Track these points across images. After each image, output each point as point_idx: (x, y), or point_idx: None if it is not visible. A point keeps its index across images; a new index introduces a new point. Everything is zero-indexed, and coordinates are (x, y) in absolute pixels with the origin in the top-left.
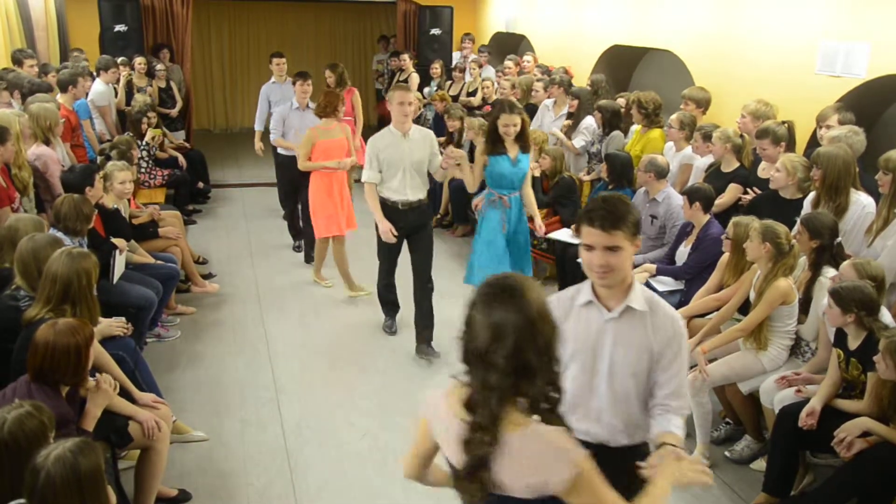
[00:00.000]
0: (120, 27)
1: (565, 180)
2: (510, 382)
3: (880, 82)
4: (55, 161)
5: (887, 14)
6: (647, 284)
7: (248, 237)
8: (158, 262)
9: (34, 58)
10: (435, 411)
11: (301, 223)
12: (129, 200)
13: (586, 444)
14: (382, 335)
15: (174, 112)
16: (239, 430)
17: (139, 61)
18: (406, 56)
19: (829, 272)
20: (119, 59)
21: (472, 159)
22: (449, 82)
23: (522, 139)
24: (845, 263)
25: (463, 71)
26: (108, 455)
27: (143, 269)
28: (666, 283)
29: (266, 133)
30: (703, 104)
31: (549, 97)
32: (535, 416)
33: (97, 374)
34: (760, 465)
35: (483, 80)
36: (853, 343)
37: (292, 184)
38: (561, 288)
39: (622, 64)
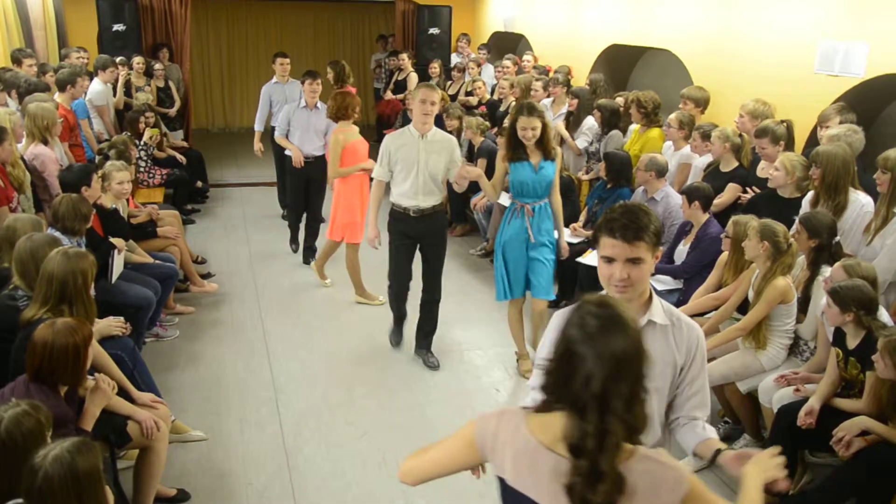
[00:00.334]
0: (118, 27)
1: (564, 179)
2: (629, 421)
3: (879, 81)
4: (53, 160)
5: (886, 14)
6: None
7: (247, 237)
8: (157, 261)
9: (34, 57)
10: (500, 435)
11: (306, 233)
12: (127, 200)
13: None
14: (382, 335)
15: (172, 112)
16: (238, 430)
17: (137, 61)
18: (405, 55)
19: (828, 271)
20: (118, 59)
21: (470, 158)
22: (449, 82)
23: (544, 144)
24: (836, 265)
25: (462, 70)
26: (107, 455)
27: (142, 269)
28: (664, 282)
29: (266, 134)
30: (702, 103)
31: (548, 97)
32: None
33: (96, 374)
34: None
35: (474, 81)
36: (852, 342)
37: (303, 190)
38: (561, 294)
39: (621, 63)
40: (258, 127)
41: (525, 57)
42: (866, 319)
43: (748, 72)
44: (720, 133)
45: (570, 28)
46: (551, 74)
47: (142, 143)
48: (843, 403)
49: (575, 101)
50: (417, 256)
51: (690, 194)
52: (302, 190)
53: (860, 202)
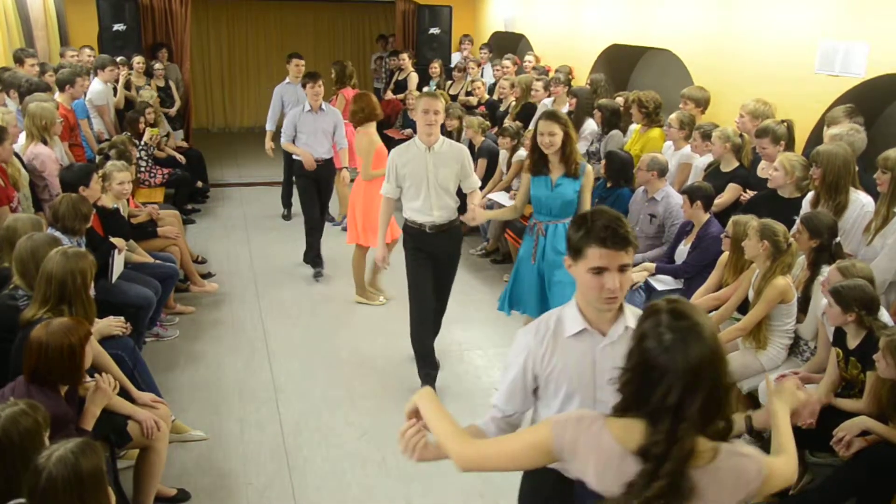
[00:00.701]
0: (119, 26)
1: None
2: (699, 427)
3: (879, 82)
4: (53, 160)
5: (886, 14)
6: (647, 283)
7: (247, 236)
8: (157, 261)
9: (35, 57)
10: (580, 442)
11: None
12: (127, 200)
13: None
14: (381, 334)
15: (172, 111)
16: (238, 430)
17: (138, 60)
18: (405, 55)
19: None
20: (118, 59)
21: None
22: (449, 82)
23: (566, 157)
24: (832, 267)
25: (463, 70)
26: (107, 454)
27: (142, 269)
28: (665, 282)
29: (277, 134)
30: (702, 103)
31: (549, 96)
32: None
33: (96, 374)
34: None
35: (472, 81)
36: (852, 342)
37: (315, 195)
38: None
39: (621, 63)
40: (269, 126)
41: (526, 57)
42: (868, 319)
43: (748, 72)
44: (721, 133)
45: (571, 28)
46: (551, 75)
47: (142, 142)
48: (844, 403)
49: (573, 101)
50: None
51: (692, 194)
52: (314, 195)
53: (861, 202)
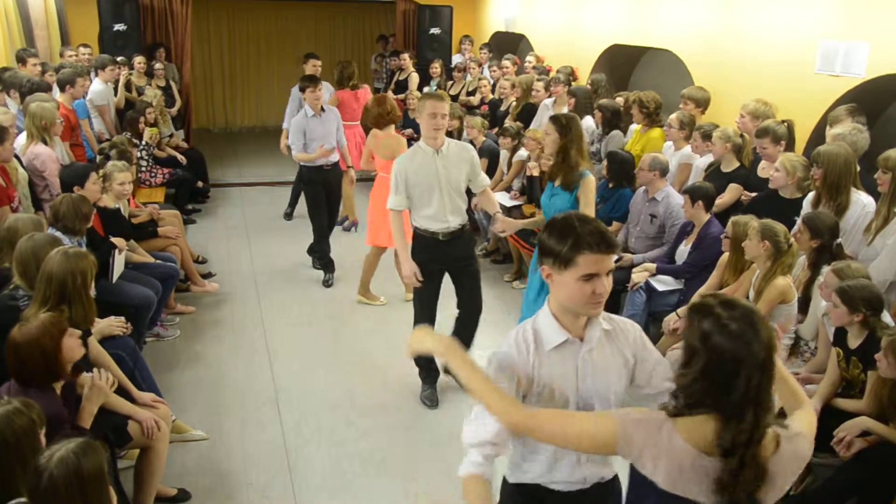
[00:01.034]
0: (119, 26)
1: None
2: (771, 409)
3: (880, 82)
4: (53, 160)
5: (886, 14)
6: (647, 284)
7: (248, 236)
8: (158, 261)
9: (37, 56)
10: (648, 446)
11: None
12: (128, 200)
13: (586, 491)
14: (382, 334)
15: (174, 111)
16: (238, 430)
17: (138, 60)
18: (406, 55)
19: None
20: (118, 59)
21: None
22: (450, 82)
23: (561, 167)
24: (827, 270)
25: (463, 70)
26: (108, 454)
27: (143, 269)
28: (666, 283)
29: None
30: (703, 104)
31: (550, 96)
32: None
33: (94, 370)
34: None
35: (479, 79)
36: (854, 342)
37: (325, 200)
38: None
39: (622, 63)
40: (286, 125)
41: (528, 58)
42: (873, 320)
43: (749, 72)
44: (721, 133)
45: (571, 28)
46: (552, 75)
47: (143, 142)
48: (844, 403)
49: (572, 101)
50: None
51: (693, 194)
52: (322, 202)
53: (861, 202)
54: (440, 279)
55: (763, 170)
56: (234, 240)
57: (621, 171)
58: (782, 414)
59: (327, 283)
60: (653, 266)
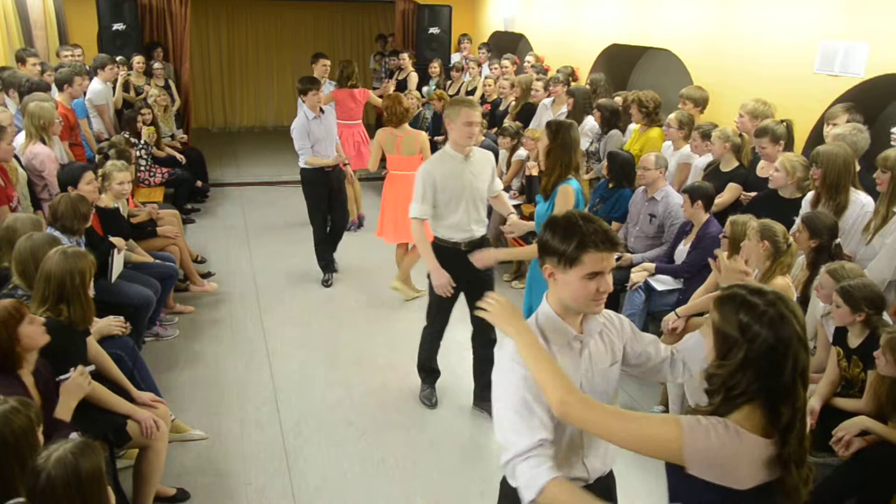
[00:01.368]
0: (118, 26)
1: None
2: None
3: (879, 81)
4: (52, 160)
5: (886, 14)
6: (646, 283)
7: (247, 236)
8: (157, 261)
9: (37, 56)
10: (720, 451)
11: (329, 250)
12: (127, 199)
13: (590, 486)
14: (381, 334)
15: (173, 110)
16: (237, 430)
17: (137, 60)
18: (405, 55)
19: None
20: (118, 58)
21: None
22: (448, 82)
23: (545, 174)
24: (822, 272)
25: (461, 70)
26: (106, 454)
27: (142, 268)
28: (665, 282)
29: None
30: (701, 103)
31: (549, 96)
32: None
33: (79, 367)
34: None
35: (485, 77)
36: (854, 341)
37: (326, 203)
38: None
39: (621, 63)
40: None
41: (527, 58)
42: (875, 319)
43: (748, 71)
44: (720, 133)
45: (571, 28)
46: (550, 74)
47: (141, 141)
48: (843, 403)
49: (571, 100)
50: None
51: (693, 194)
52: (323, 202)
53: (861, 202)
54: (458, 293)
55: (762, 169)
56: (234, 239)
57: (621, 172)
58: None
59: (327, 283)
60: (652, 266)
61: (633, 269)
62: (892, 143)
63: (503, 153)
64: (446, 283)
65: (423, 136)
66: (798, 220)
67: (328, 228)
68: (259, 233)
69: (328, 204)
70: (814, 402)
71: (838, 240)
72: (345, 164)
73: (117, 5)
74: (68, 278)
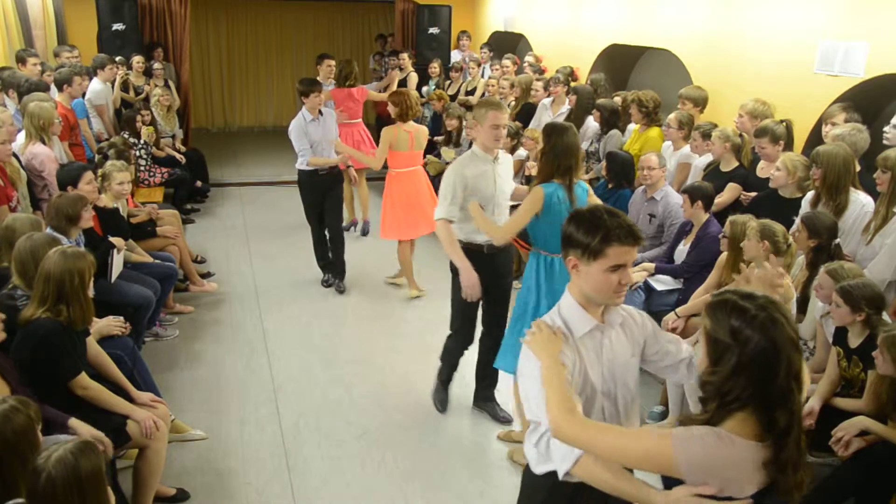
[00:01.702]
0: (118, 26)
1: None
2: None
3: (879, 81)
4: (52, 160)
5: (886, 14)
6: (646, 283)
7: (247, 236)
8: (156, 261)
9: (37, 56)
10: (715, 461)
11: (329, 252)
12: (126, 199)
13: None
14: (381, 333)
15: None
16: (237, 429)
17: (137, 60)
18: (405, 55)
19: None
20: (117, 58)
21: None
22: (448, 81)
23: (536, 177)
24: (821, 272)
25: (460, 70)
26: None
27: (142, 268)
28: (664, 282)
29: None
30: (701, 103)
31: (548, 96)
32: None
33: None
34: None
35: (490, 78)
36: (854, 341)
37: (320, 206)
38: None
39: (621, 63)
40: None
41: (526, 58)
42: (875, 319)
43: (748, 71)
44: (720, 133)
45: (570, 28)
46: (547, 74)
47: (141, 141)
48: (843, 403)
49: (573, 98)
50: None
51: (693, 194)
52: (319, 208)
53: (860, 202)
54: (483, 293)
55: (762, 170)
56: (233, 239)
57: (621, 172)
58: None
59: (326, 284)
60: (651, 266)
61: (632, 269)
62: (885, 142)
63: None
64: (476, 283)
65: (425, 130)
66: (798, 220)
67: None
68: (259, 233)
69: (323, 207)
70: (814, 402)
71: (838, 240)
72: (347, 166)
73: (117, 5)
74: (67, 278)
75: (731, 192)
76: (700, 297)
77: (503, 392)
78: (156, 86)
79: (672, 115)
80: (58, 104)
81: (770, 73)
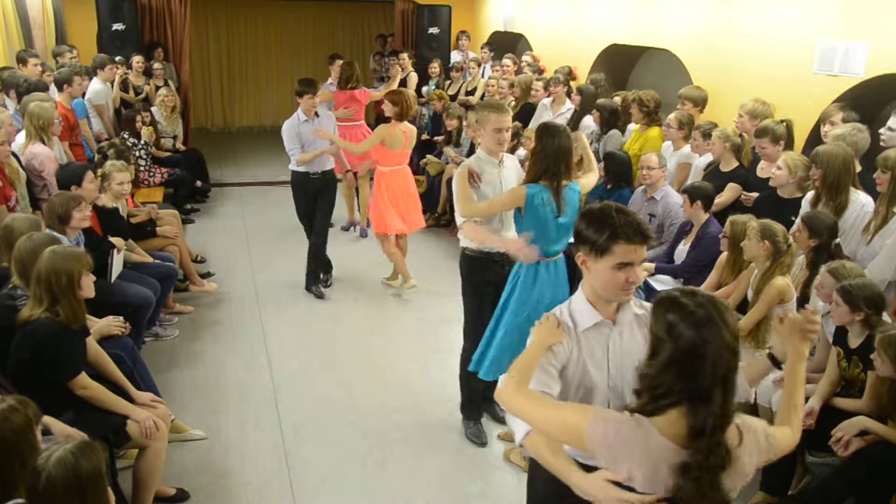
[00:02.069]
0: (118, 26)
1: None
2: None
3: (878, 81)
4: (51, 160)
5: (885, 14)
6: (646, 283)
7: (247, 236)
8: (156, 261)
9: (38, 57)
10: (621, 446)
11: (310, 256)
12: (126, 199)
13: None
14: (381, 333)
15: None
16: (237, 430)
17: (137, 60)
18: (405, 55)
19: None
20: (117, 58)
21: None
22: (448, 81)
23: (525, 177)
24: (822, 271)
25: (461, 70)
26: (106, 454)
27: (141, 269)
28: (664, 282)
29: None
30: (700, 103)
31: (548, 96)
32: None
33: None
34: None
35: (491, 78)
36: (854, 341)
37: (312, 209)
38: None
39: (620, 63)
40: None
41: (524, 58)
42: (874, 320)
43: (747, 71)
44: (720, 133)
45: (570, 28)
46: (545, 74)
47: (141, 142)
48: (843, 403)
49: (578, 98)
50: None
51: (692, 194)
52: (310, 208)
53: (860, 202)
54: (495, 299)
55: (762, 170)
56: (233, 239)
57: (619, 172)
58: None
59: (326, 284)
60: (651, 265)
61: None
62: (882, 143)
63: None
64: (524, 245)
65: (415, 130)
66: (798, 220)
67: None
68: (259, 233)
69: (314, 208)
70: (814, 402)
71: (838, 240)
72: (346, 171)
73: (117, 5)
74: (54, 278)
75: (731, 192)
76: None
77: None
78: (157, 86)
79: (672, 115)
80: (58, 104)
81: (770, 73)
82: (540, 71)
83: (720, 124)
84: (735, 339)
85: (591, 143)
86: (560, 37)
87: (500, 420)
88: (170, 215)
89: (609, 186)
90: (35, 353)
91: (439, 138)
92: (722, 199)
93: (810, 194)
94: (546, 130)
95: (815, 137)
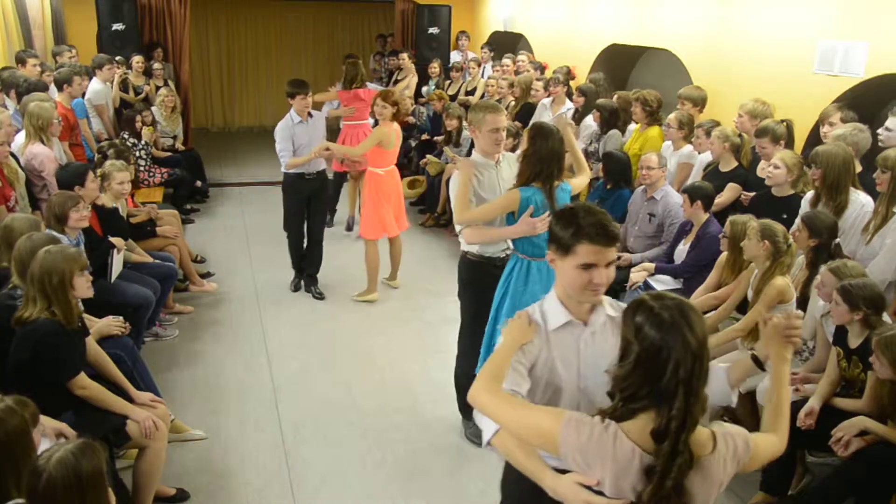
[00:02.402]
0: (118, 26)
1: None
2: (705, 400)
3: (878, 81)
4: (51, 160)
5: (886, 14)
6: (646, 283)
7: (247, 236)
8: (156, 261)
9: (37, 57)
10: (591, 450)
11: (307, 261)
12: (126, 199)
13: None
14: (380, 333)
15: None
16: (237, 430)
17: (136, 60)
18: (405, 55)
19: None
20: (117, 58)
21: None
22: (448, 81)
23: (517, 178)
24: (823, 270)
25: (461, 70)
26: (106, 454)
27: (141, 269)
28: (664, 282)
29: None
30: (700, 103)
31: (548, 96)
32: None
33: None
34: None
35: (490, 77)
36: (854, 341)
37: (304, 212)
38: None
39: (620, 63)
40: None
41: (519, 57)
42: (874, 320)
43: (747, 71)
44: (720, 132)
45: (570, 27)
46: (547, 72)
47: (142, 142)
48: (843, 403)
49: (581, 99)
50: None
51: (692, 193)
52: (301, 211)
53: (860, 202)
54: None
55: (762, 169)
56: (233, 239)
57: (618, 172)
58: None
59: (295, 289)
60: (651, 265)
61: (632, 269)
62: (880, 143)
63: None
64: (536, 220)
65: (398, 133)
66: (798, 220)
67: (305, 239)
68: (258, 233)
69: (307, 212)
70: (814, 402)
71: (838, 239)
72: (346, 172)
73: (116, 5)
74: (46, 278)
75: (730, 192)
76: (700, 296)
77: None
78: (157, 86)
79: (672, 115)
80: (58, 104)
81: (770, 73)
82: (542, 68)
83: (721, 124)
84: (700, 342)
85: (591, 143)
86: (560, 37)
87: None
88: (170, 215)
89: (609, 186)
90: (35, 353)
91: (439, 138)
92: (722, 199)
93: (810, 194)
94: (539, 132)
95: (815, 137)
